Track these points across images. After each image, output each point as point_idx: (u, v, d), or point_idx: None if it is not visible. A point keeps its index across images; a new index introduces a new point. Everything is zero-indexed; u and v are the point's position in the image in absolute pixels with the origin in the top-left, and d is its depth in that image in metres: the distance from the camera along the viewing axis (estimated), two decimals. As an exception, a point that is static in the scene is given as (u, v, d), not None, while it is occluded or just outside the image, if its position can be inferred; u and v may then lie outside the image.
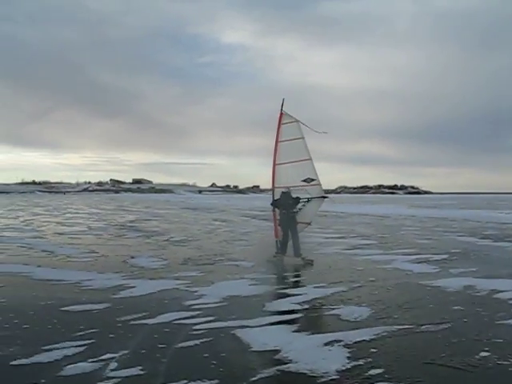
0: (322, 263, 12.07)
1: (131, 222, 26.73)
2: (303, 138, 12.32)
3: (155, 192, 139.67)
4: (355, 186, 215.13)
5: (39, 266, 11.03)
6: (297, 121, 12.41)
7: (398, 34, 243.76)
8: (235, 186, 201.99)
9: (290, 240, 12.15)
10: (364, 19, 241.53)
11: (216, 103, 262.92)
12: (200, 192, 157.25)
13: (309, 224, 12.66)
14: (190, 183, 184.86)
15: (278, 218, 12.17)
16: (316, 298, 8.14)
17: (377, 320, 6.69)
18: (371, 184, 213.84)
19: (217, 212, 39.13)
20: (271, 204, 12.35)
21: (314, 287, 9.04)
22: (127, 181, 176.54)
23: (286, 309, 7.46)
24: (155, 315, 6.85)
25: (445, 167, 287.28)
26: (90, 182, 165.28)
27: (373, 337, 5.86)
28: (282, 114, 12.48)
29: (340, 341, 5.69)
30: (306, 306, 7.62)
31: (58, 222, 25.50)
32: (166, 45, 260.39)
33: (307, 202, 12.25)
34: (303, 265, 11.71)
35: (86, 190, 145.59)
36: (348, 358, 5.14)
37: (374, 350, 5.38)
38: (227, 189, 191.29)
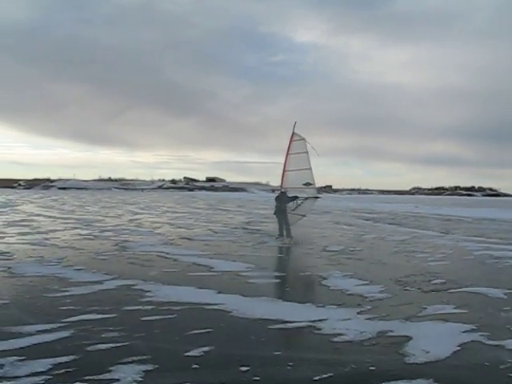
0: None
1: (247, 223, 23.70)
2: (307, 152, 16.08)
3: (229, 191, 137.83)
4: (430, 187, 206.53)
5: (234, 294, 8.12)
6: (303, 139, 16.27)
7: (476, 31, 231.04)
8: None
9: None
10: (440, 16, 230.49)
11: (289, 102, 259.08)
12: (273, 191, 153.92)
13: (304, 216, 16.96)
14: (263, 182, 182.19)
15: (274, 209, 16.11)
16: None
17: None
18: (446, 185, 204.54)
19: (323, 214, 35.50)
20: (276, 198, 16.28)
21: None
22: (200, 179, 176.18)
23: None
24: None
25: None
26: (163, 180, 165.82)
27: None
28: (293, 133, 16.35)
29: None
30: None
31: (168, 223, 22.81)
32: (239, 44, 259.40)
33: (305, 199, 16.41)
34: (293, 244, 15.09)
35: (160, 187, 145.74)
36: None
37: None
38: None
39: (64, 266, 10.07)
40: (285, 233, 15.78)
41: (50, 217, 25.77)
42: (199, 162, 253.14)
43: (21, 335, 5.44)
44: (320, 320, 6.48)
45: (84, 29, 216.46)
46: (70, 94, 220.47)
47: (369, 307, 7.38)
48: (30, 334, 5.49)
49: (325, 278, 9.66)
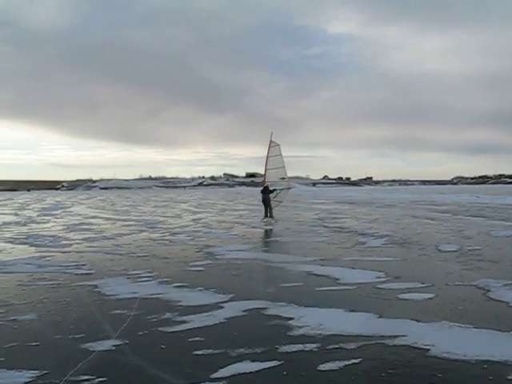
0: None
1: (320, 220, 21.88)
2: (281, 155, 22.42)
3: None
4: (473, 176, 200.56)
5: (400, 317, 6.21)
6: (278, 145, 22.44)
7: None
8: (347, 178, 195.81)
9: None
10: (477, 1, 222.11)
11: (325, 95, 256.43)
12: (314, 185, 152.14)
13: (281, 202, 23.56)
14: (303, 176, 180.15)
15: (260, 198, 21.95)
16: None
17: None
18: (490, 173, 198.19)
19: (387, 207, 33.30)
20: (261, 191, 21.82)
21: None
22: (240, 175, 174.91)
23: None
24: None
25: None
26: (203, 177, 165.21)
27: None
28: (271, 141, 22.10)
29: None
30: None
31: (237, 222, 21.29)
32: (274, 38, 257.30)
33: (281, 190, 22.58)
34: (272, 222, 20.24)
35: (200, 184, 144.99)
36: None
37: None
38: (340, 181, 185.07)
39: (160, 283, 8.17)
40: (268, 214, 21.65)
41: (108, 219, 24.26)
42: (237, 158, 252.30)
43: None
44: None
45: (120, 30, 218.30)
46: (108, 95, 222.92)
47: None
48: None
49: (487, 290, 7.70)
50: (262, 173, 24.27)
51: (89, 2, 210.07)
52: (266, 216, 21.66)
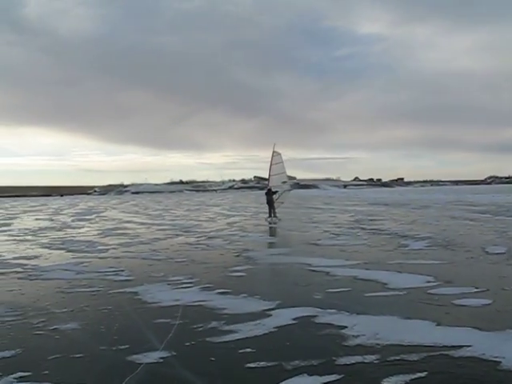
0: None
1: (357, 222, 21.65)
2: (282, 162, 25.14)
3: (300, 188, 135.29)
4: (507, 175, 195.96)
5: (462, 326, 5.76)
6: (280, 154, 24.87)
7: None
8: (378, 179, 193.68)
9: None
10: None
11: (355, 96, 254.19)
12: (345, 186, 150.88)
13: (282, 203, 25.61)
14: (334, 177, 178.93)
15: (265, 200, 23.57)
16: None
17: None
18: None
19: (422, 208, 32.69)
20: (266, 193, 23.74)
21: None
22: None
23: None
24: None
25: None
26: (234, 180, 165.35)
27: None
28: (273, 150, 24.44)
29: None
30: None
31: (273, 226, 20.43)
32: (303, 40, 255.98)
33: (283, 192, 25.11)
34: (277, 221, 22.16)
35: (231, 187, 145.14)
36: None
37: None
38: (371, 182, 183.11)
39: (202, 289, 7.91)
40: (272, 214, 23.12)
41: (142, 223, 24.23)
42: (267, 161, 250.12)
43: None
44: None
45: (150, 36, 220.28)
46: (138, 101, 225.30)
47: None
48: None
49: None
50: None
51: (118, 8, 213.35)
52: (269, 216, 23.19)
